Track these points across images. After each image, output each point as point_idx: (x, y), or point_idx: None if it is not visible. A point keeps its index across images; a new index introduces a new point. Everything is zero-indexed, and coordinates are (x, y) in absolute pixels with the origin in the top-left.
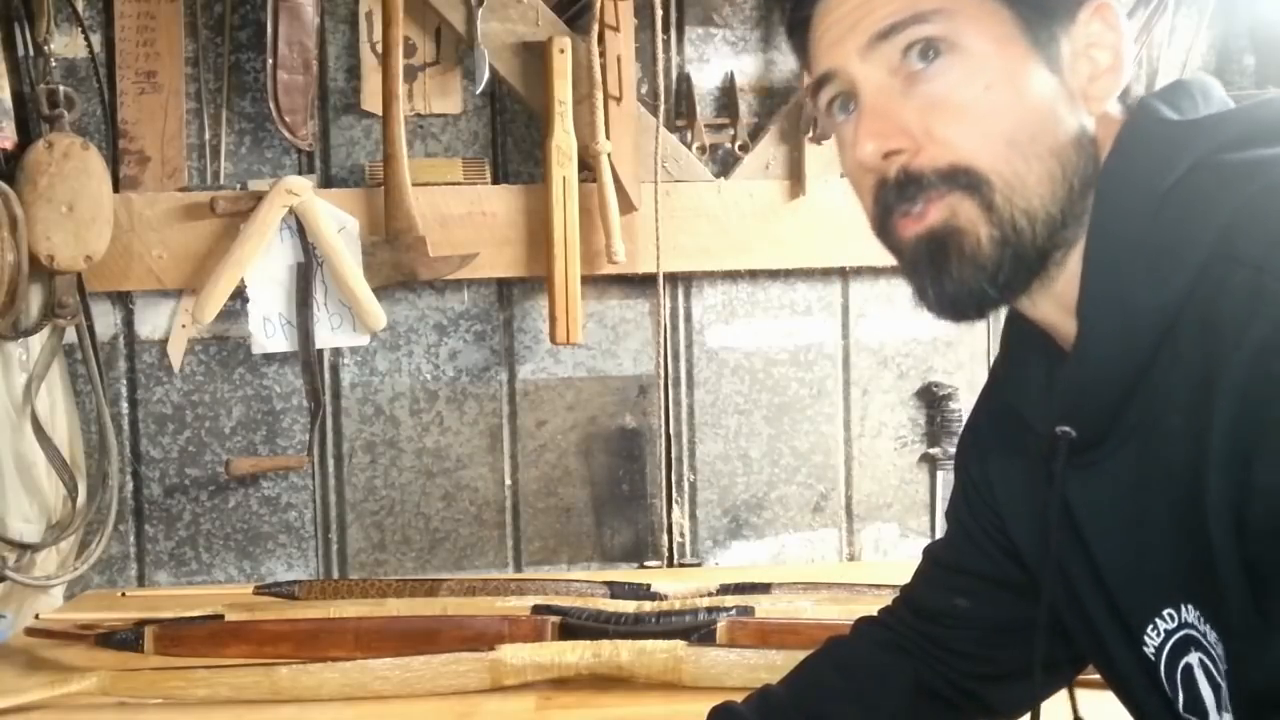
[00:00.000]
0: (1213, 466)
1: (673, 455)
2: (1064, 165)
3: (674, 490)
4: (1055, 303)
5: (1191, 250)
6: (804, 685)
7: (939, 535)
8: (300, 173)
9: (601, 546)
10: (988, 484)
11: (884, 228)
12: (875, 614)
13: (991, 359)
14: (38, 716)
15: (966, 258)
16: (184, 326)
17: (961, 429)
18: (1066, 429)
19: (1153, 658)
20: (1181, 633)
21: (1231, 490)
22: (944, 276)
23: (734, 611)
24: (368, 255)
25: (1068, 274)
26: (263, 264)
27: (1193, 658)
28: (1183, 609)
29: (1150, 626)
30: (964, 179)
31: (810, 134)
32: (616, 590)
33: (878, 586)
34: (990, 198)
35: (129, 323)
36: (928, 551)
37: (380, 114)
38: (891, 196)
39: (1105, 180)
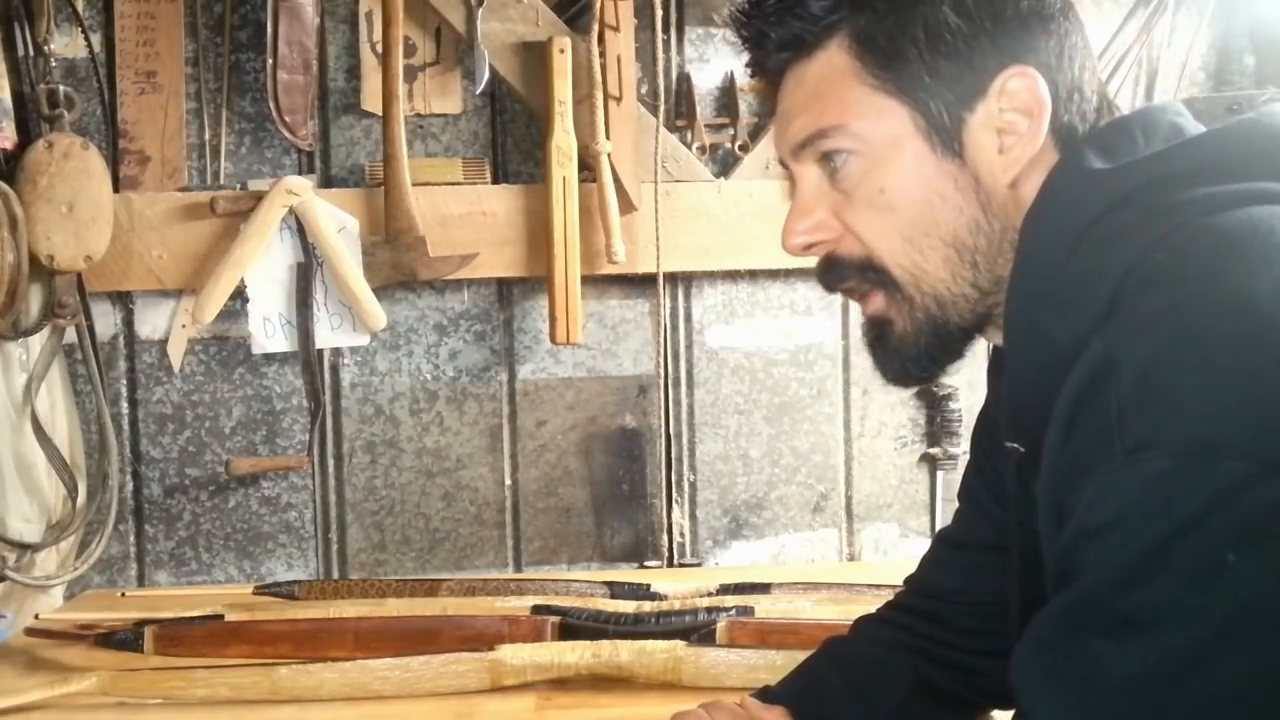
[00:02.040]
0: (1041, 487)
1: (673, 455)
2: (959, 250)
3: (674, 490)
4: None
5: (1095, 293)
6: (803, 685)
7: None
8: (300, 173)
9: (601, 546)
10: (996, 461)
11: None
12: (875, 611)
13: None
14: (38, 716)
15: (894, 344)
16: (184, 326)
17: (979, 412)
18: (1014, 444)
19: None
20: None
21: (1051, 521)
22: (882, 360)
23: (734, 611)
24: (368, 255)
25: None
26: (263, 264)
27: None
28: None
29: None
30: (873, 275)
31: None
32: (616, 590)
33: (878, 586)
34: (901, 291)
35: (129, 323)
36: (938, 536)
37: (380, 114)
38: (822, 275)
39: (1026, 228)
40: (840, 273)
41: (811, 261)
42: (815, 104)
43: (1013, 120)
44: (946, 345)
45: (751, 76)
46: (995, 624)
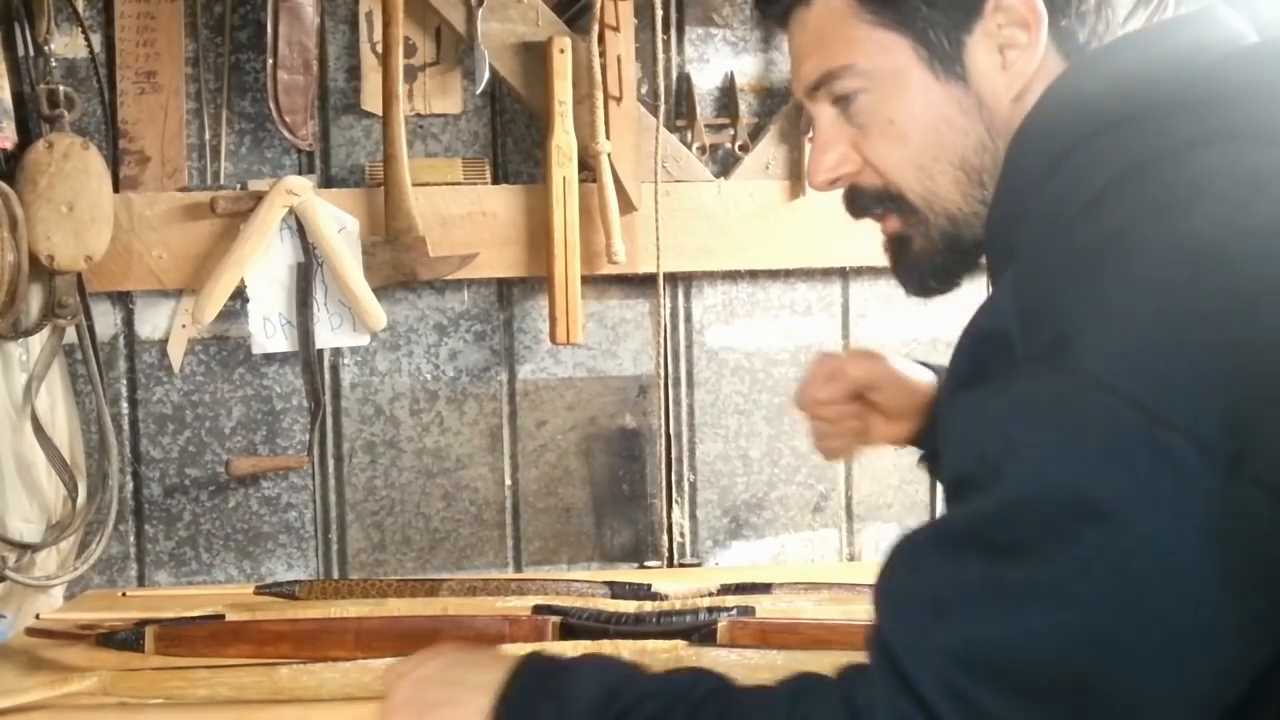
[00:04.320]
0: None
1: (673, 455)
2: (967, 170)
3: (674, 490)
4: None
5: (1065, 219)
6: None
7: None
8: (300, 173)
9: (601, 546)
10: None
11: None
12: None
13: None
14: (38, 716)
15: (912, 259)
16: (184, 326)
17: None
18: None
19: None
20: None
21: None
22: (902, 272)
23: (735, 611)
24: (368, 255)
25: None
26: (263, 264)
27: None
28: None
29: None
30: (892, 203)
31: (810, 134)
32: (617, 590)
33: None
34: (916, 213)
35: (129, 323)
36: None
37: (380, 114)
38: (848, 206)
39: (1012, 146)
40: (862, 202)
41: (811, 261)
42: (821, 47)
43: (1011, 35)
44: (962, 259)
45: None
46: None
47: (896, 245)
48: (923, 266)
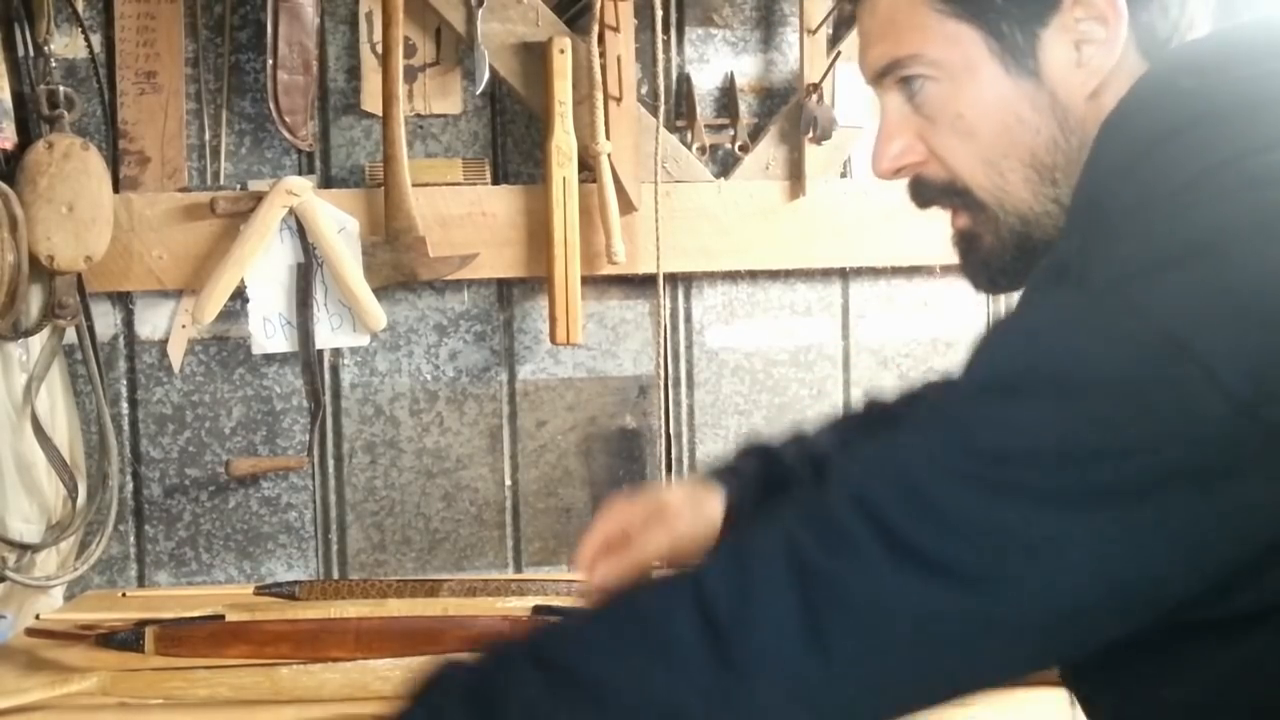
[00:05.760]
0: None
1: (673, 456)
2: (1039, 169)
3: None
4: None
5: (1156, 204)
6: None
7: None
8: (300, 173)
9: None
10: None
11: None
12: None
13: None
14: (38, 716)
15: (980, 257)
16: (184, 327)
17: None
18: None
19: None
20: None
21: None
22: (970, 270)
23: None
24: (368, 255)
25: None
26: (263, 264)
27: None
28: None
29: None
30: (958, 198)
31: (810, 134)
32: None
33: None
34: (985, 210)
35: (129, 323)
36: None
37: (380, 114)
38: (913, 196)
39: (1102, 132)
40: (927, 194)
41: (811, 261)
42: (890, 32)
43: (1089, 30)
44: (1031, 258)
45: None
46: None
47: (966, 242)
48: (992, 264)
